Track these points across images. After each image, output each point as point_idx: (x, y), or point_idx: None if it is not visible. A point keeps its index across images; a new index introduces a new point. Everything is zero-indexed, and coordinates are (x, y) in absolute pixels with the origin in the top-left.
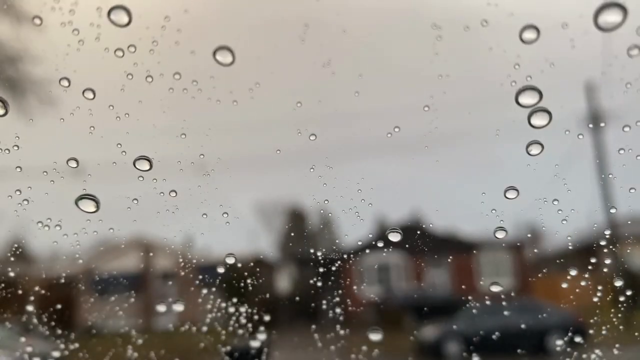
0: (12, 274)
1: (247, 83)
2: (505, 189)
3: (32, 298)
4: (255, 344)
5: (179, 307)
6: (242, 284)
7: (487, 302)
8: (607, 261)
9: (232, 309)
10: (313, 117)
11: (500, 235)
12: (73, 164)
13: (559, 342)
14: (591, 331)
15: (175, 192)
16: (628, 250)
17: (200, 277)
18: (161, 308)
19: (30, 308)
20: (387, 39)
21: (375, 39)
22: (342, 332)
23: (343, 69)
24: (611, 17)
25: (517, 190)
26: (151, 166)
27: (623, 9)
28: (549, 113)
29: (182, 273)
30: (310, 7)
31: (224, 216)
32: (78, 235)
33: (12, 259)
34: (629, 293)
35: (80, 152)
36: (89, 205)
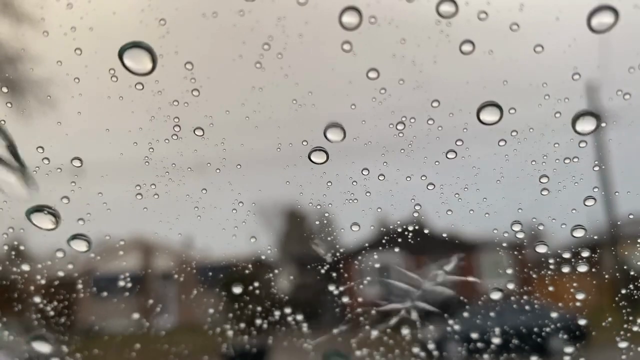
0: (11, 274)
1: (247, 82)
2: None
3: (31, 298)
4: (254, 344)
5: (177, 308)
6: (241, 284)
7: (488, 303)
8: (608, 261)
9: (231, 309)
10: (314, 116)
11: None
12: (77, 163)
13: (559, 342)
14: (591, 331)
15: (175, 192)
16: (629, 251)
17: (200, 277)
18: (161, 308)
19: (29, 308)
20: (390, 37)
21: (377, 36)
22: (341, 332)
23: (344, 68)
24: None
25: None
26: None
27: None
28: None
29: (182, 273)
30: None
31: (224, 216)
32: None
33: (12, 259)
34: (629, 293)
35: (80, 152)
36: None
